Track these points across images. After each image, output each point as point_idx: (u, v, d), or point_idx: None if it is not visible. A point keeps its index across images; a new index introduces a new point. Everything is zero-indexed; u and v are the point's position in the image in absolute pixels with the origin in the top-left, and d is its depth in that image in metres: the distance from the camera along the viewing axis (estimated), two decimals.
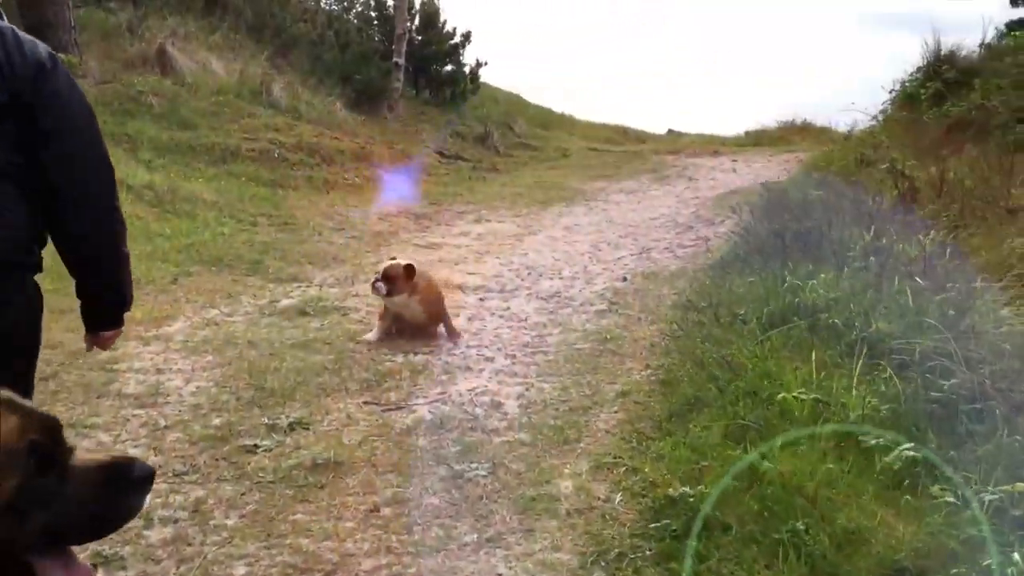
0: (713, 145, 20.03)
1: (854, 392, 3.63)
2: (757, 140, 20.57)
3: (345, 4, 18.92)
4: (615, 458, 3.77)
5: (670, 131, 24.36)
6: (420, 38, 17.62)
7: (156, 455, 3.88)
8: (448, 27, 17.97)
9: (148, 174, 9.93)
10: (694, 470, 3.42)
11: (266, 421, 4.25)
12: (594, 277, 7.52)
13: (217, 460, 3.83)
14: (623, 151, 18.80)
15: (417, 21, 17.74)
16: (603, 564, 2.96)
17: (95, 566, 1.72)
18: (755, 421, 3.63)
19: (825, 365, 4.02)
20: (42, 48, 2.17)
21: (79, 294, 2.43)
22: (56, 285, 4.49)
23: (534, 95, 22.67)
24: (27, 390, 2.21)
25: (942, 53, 9.80)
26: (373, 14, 18.38)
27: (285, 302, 6.56)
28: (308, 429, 4.20)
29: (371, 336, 5.68)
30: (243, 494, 3.51)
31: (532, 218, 10.88)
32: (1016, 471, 2.84)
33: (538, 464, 3.77)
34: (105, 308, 2.48)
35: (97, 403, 4.47)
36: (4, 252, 2.15)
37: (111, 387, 4.71)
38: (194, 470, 3.75)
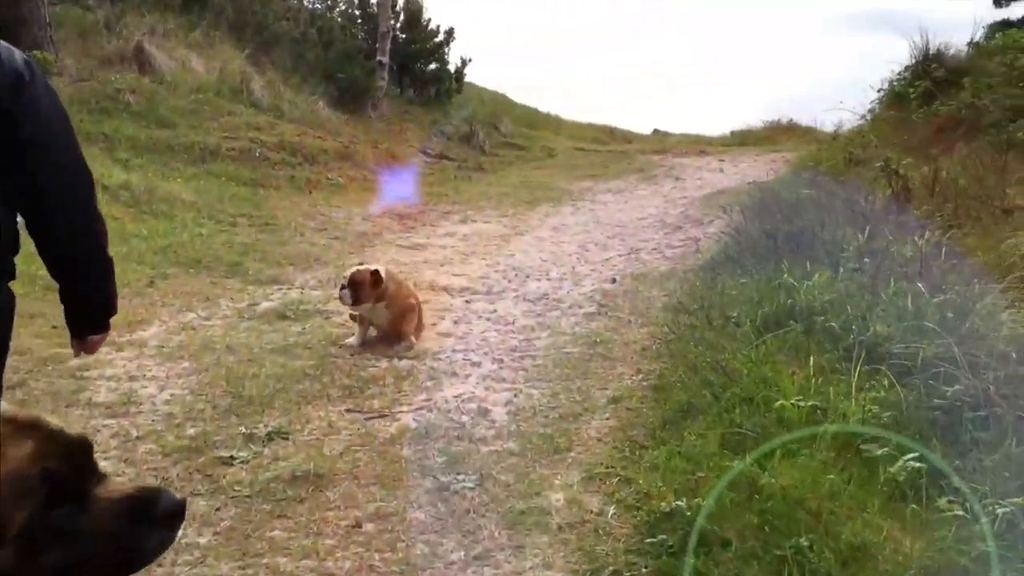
0: (699, 145, 19.94)
1: (854, 398, 3.50)
2: (743, 140, 20.50)
3: (328, 2, 18.71)
4: (607, 468, 3.63)
5: (656, 131, 24.27)
6: (404, 36, 17.43)
7: (127, 467, 3.71)
8: (432, 25, 17.80)
9: (125, 174, 9.72)
10: (690, 481, 3.28)
11: (243, 431, 4.09)
12: (582, 278, 7.38)
13: (191, 473, 3.66)
14: (609, 151, 18.68)
15: (401, 19, 17.54)
16: None
17: None
18: (752, 429, 3.50)
19: (822, 370, 3.90)
20: (19, 56, 2.14)
21: (64, 299, 2.44)
22: (26, 289, 4.31)
23: (519, 94, 22.54)
24: None
25: (930, 52, 9.75)
26: (357, 12, 18.17)
27: (265, 305, 6.38)
28: (287, 439, 4.03)
29: (353, 340, 5.52)
30: (218, 509, 3.35)
31: (518, 218, 10.74)
32: None
33: (527, 475, 3.62)
34: (92, 312, 2.49)
35: (66, 412, 4.28)
36: None
37: (81, 395, 4.53)
38: (166, 484, 3.57)
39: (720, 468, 3.28)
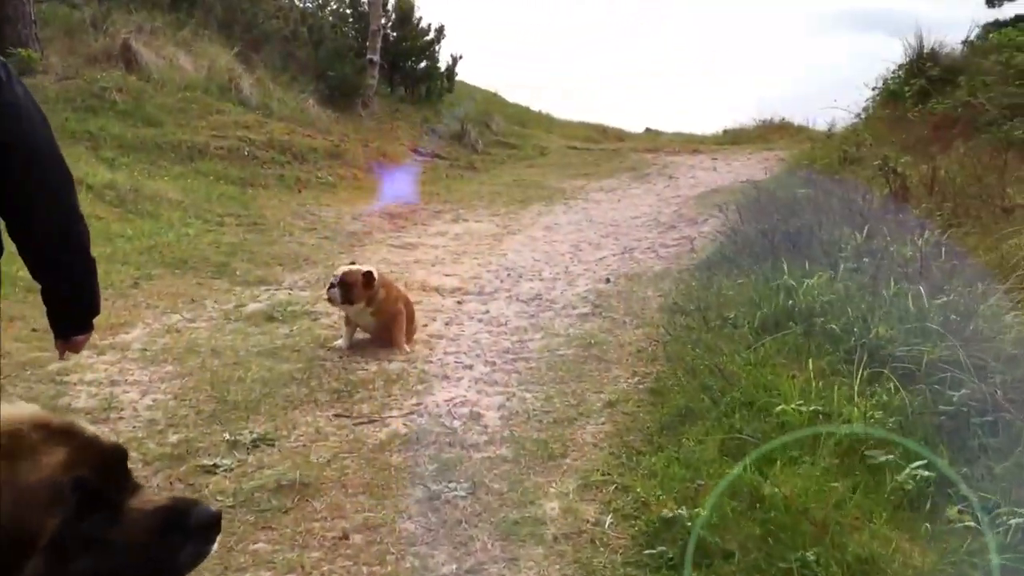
0: (692, 144, 19.87)
1: (856, 403, 3.40)
2: (735, 138, 20.43)
3: (319, 1, 18.54)
4: (604, 475, 3.52)
5: (648, 130, 24.17)
6: (395, 34, 17.30)
7: None
8: (423, 23, 17.66)
9: (110, 173, 9.56)
10: (689, 489, 3.18)
11: (227, 438, 3.96)
12: (576, 278, 7.27)
13: (172, 482, 3.53)
14: (602, 149, 18.58)
15: (392, 17, 17.40)
16: None
17: None
18: (752, 435, 3.39)
19: (823, 373, 3.79)
20: None
21: (47, 300, 2.46)
22: (6, 291, 4.17)
23: (513, 94, 22.43)
24: None
25: (925, 51, 9.66)
26: (347, 10, 18.02)
27: (252, 307, 6.25)
28: (273, 446, 3.91)
29: (341, 343, 5.39)
30: None
31: (511, 217, 10.62)
32: None
33: (521, 483, 3.50)
34: (75, 313, 2.51)
35: None
36: None
37: (60, 401, 4.39)
38: None
39: (720, 475, 3.17)
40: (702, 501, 3.01)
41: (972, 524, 2.58)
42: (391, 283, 5.71)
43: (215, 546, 1.32)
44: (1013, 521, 2.51)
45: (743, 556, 2.68)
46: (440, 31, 17.56)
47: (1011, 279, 4.14)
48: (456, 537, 3.10)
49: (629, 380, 4.65)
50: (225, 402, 4.43)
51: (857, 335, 3.93)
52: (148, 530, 1.23)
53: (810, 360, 3.83)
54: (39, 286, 2.47)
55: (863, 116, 10.78)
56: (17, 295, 5.19)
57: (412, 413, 4.31)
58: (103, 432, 1.34)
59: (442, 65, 17.80)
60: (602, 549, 2.98)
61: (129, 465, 1.34)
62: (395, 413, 4.33)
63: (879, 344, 3.79)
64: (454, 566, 2.92)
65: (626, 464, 3.58)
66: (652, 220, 10.03)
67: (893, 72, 10.21)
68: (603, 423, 4.10)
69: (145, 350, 5.26)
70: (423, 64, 17.64)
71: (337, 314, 5.97)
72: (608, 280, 7.08)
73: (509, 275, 7.47)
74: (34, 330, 5.09)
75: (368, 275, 5.35)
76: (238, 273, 7.24)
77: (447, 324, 5.96)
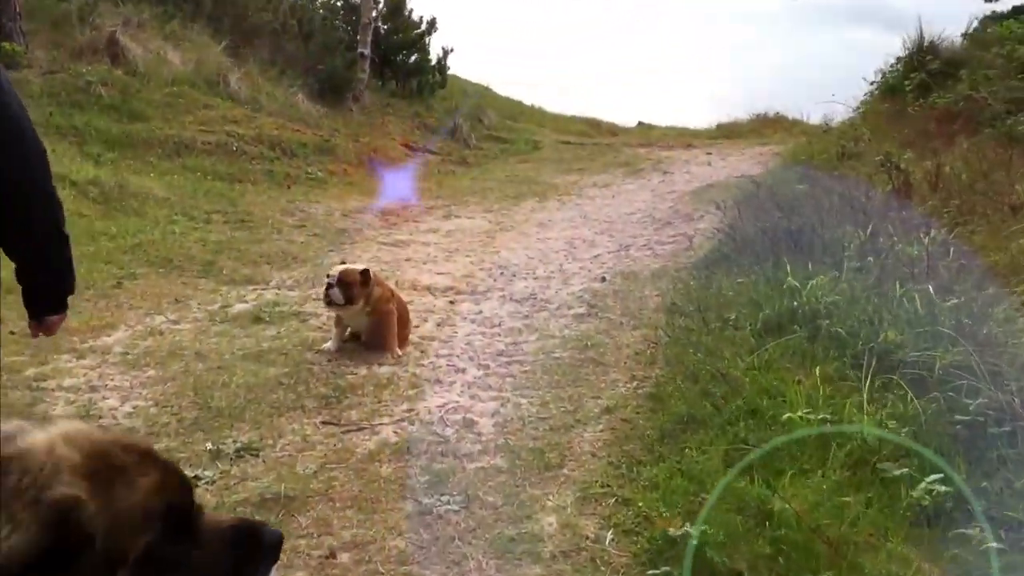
0: (685, 138, 19.72)
1: (866, 411, 3.25)
2: (729, 133, 20.27)
3: None
4: (603, 487, 3.37)
5: (640, 124, 24.00)
6: (386, 27, 17.08)
7: None
8: (415, 16, 17.45)
9: (95, 169, 9.36)
10: (693, 503, 3.03)
11: (210, 447, 3.79)
12: (571, 277, 7.11)
13: None
14: (595, 144, 18.41)
15: (383, 10, 17.18)
16: None
17: None
18: (758, 444, 3.24)
19: (830, 379, 3.65)
20: None
21: (21, 279, 2.45)
22: None
23: (503, 87, 22.23)
24: None
25: (925, 44, 9.51)
26: (338, 3, 17.78)
27: (238, 307, 6.08)
28: (257, 456, 3.75)
29: (330, 345, 5.22)
30: None
31: (504, 214, 10.45)
32: None
33: (517, 495, 3.35)
34: (49, 291, 2.50)
35: None
36: None
37: (37, 408, 4.21)
38: None
39: (726, 488, 3.02)
40: (708, 517, 2.86)
41: (996, 545, 2.43)
42: (382, 281, 5.55)
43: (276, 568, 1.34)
44: None
45: None
46: (432, 24, 17.35)
47: None
48: (449, 555, 2.95)
49: (627, 385, 4.49)
50: (208, 409, 4.27)
51: (864, 339, 3.79)
52: (222, 550, 1.26)
53: (816, 365, 3.68)
54: (14, 278, 2.47)
55: (860, 110, 10.63)
56: None
57: (403, 420, 4.16)
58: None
59: (433, 58, 17.59)
60: (603, 568, 2.83)
61: None
62: (385, 420, 4.17)
63: (888, 348, 3.64)
64: None
65: (626, 475, 3.43)
66: (647, 216, 9.88)
67: (892, 65, 10.07)
68: (601, 430, 3.95)
69: (126, 353, 5.09)
70: (414, 58, 17.42)
71: (326, 315, 5.80)
72: (604, 279, 6.93)
73: (502, 273, 7.31)
74: (12, 332, 4.90)
75: (365, 273, 5.19)
76: (224, 272, 7.07)
77: (439, 325, 5.80)
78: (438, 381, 4.73)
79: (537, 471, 3.56)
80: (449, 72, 18.22)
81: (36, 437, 1.20)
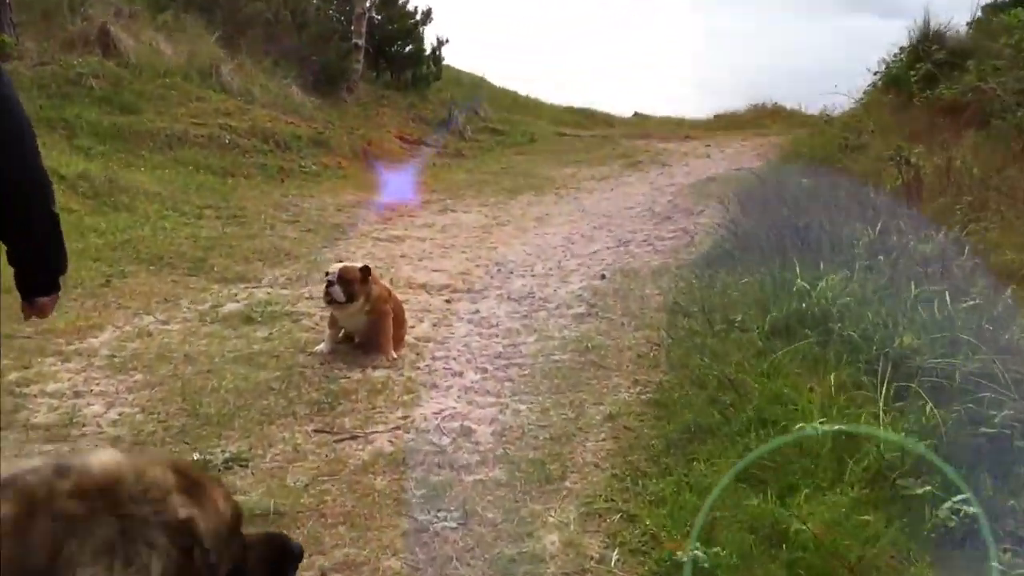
0: (682, 129, 19.55)
1: (883, 422, 3.10)
2: (727, 124, 20.10)
3: None
4: (607, 501, 3.22)
5: (636, 114, 23.80)
6: (380, 17, 16.86)
7: None
8: (409, 6, 17.24)
9: (85, 162, 9.18)
10: (703, 521, 2.87)
11: (197, 457, 3.63)
12: (569, 274, 6.95)
13: None
14: (592, 135, 18.23)
15: (377, 0, 16.96)
16: None
17: None
18: (770, 457, 3.09)
19: (844, 387, 3.50)
20: None
21: (14, 260, 2.43)
22: None
23: (498, 78, 21.99)
24: None
25: (930, 33, 9.33)
26: None
27: (229, 307, 5.91)
28: (246, 467, 3.59)
29: (323, 347, 5.06)
30: None
31: (500, 208, 10.29)
32: None
33: (517, 511, 3.20)
34: (40, 271, 2.48)
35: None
36: None
37: (18, 416, 4.06)
38: None
39: (737, 505, 2.88)
40: (719, 537, 2.71)
41: None
42: (378, 279, 5.39)
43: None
44: None
45: None
46: (427, 14, 17.14)
47: None
48: None
49: (630, 390, 4.33)
50: (196, 416, 4.12)
51: (879, 344, 3.63)
52: (265, 559, 1.33)
53: (832, 373, 3.53)
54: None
55: (863, 101, 10.45)
56: None
57: (398, 428, 4.00)
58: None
59: (427, 49, 17.39)
60: None
61: None
62: (380, 428, 4.01)
63: (904, 354, 3.49)
64: None
65: (631, 489, 3.27)
66: (647, 211, 9.71)
67: (895, 55, 9.88)
68: (604, 439, 3.80)
69: (113, 356, 4.93)
70: (409, 48, 17.21)
71: (319, 315, 5.65)
72: (603, 276, 6.77)
73: (500, 271, 7.15)
74: None
75: (365, 270, 5.02)
76: (216, 269, 6.90)
77: (435, 325, 5.65)
78: (434, 385, 4.57)
79: (538, 484, 3.41)
80: (444, 63, 18.02)
81: (106, 462, 1.23)
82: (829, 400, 3.38)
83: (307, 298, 6.15)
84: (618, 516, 3.10)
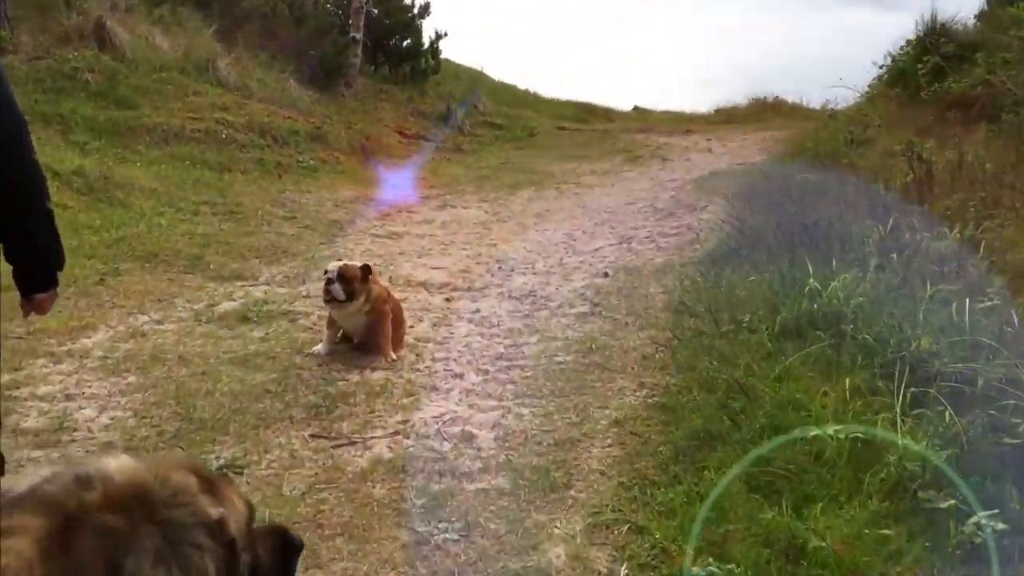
0: (682, 123, 19.41)
1: (901, 430, 2.99)
2: (728, 118, 19.95)
3: None
4: (614, 511, 3.10)
5: (636, 108, 23.65)
6: (377, 11, 16.69)
7: None
8: (407, 0, 17.06)
9: (80, 158, 9.05)
10: (714, 534, 2.76)
11: None
12: (571, 272, 6.83)
13: None
14: (592, 130, 18.09)
15: None
16: None
17: None
18: (784, 467, 2.98)
19: (859, 392, 3.38)
20: None
21: (10, 258, 2.43)
22: None
23: (496, 72, 21.85)
24: None
25: (938, 25, 9.18)
26: None
27: (225, 306, 5.80)
28: (241, 474, 3.48)
29: (321, 348, 4.94)
30: None
31: (500, 203, 10.17)
32: None
33: (521, 522, 3.08)
34: (38, 268, 2.47)
35: None
36: None
37: (8, 420, 3.92)
38: None
39: (750, 517, 2.76)
40: (733, 551, 2.60)
41: None
42: (377, 278, 5.27)
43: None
44: None
45: None
46: (425, 7, 16.97)
47: None
48: None
49: (636, 393, 4.22)
50: (190, 420, 4.00)
51: (895, 347, 3.51)
52: (271, 552, 1.38)
53: (846, 377, 3.41)
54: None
55: (868, 95, 10.31)
56: None
57: (397, 433, 3.88)
58: None
59: (426, 42, 17.22)
60: None
61: None
62: (378, 433, 3.90)
63: (922, 358, 3.37)
64: None
65: (639, 498, 3.16)
66: (649, 206, 9.59)
67: (902, 48, 9.73)
68: (610, 445, 3.68)
69: (106, 358, 4.82)
70: (407, 42, 17.06)
71: (317, 315, 5.53)
72: (606, 274, 6.64)
73: (500, 268, 7.03)
74: None
75: (366, 268, 4.90)
76: (212, 267, 6.78)
77: (435, 325, 5.53)
78: (434, 388, 4.45)
79: (542, 493, 3.29)
80: (443, 57, 17.87)
81: (126, 469, 1.25)
82: (844, 406, 3.27)
83: (304, 297, 6.04)
84: (626, 527, 2.98)
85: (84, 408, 4.16)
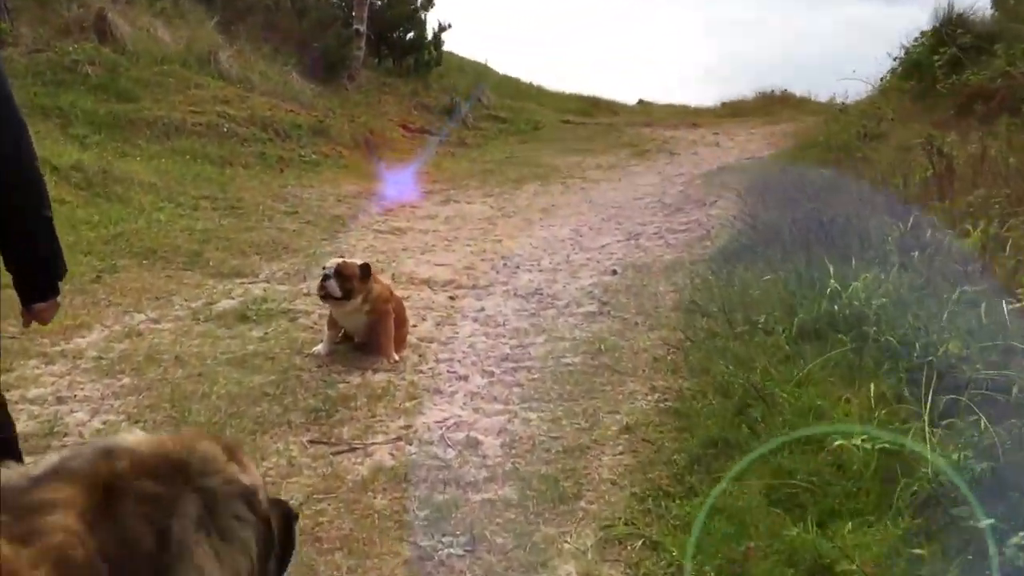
0: (688, 117, 19.22)
1: (931, 441, 2.82)
2: (735, 111, 19.74)
3: None
4: (627, 525, 2.95)
5: (641, 101, 23.45)
6: (380, 3, 16.51)
7: None
8: None
9: (79, 152, 8.90)
10: (735, 551, 2.61)
11: None
12: (578, 269, 6.67)
13: None
14: (596, 124, 17.91)
15: None
16: None
17: None
18: (806, 479, 2.82)
19: (884, 399, 3.21)
20: None
21: (9, 266, 2.40)
22: None
23: (500, 65, 21.64)
24: None
25: (954, 16, 8.97)
26: None
27: (224, 304, 5.65)
28: None
29: (321, 348, 4.79)
30: None
31: (505, 198, 10.00)
32: None
33: (530, 536, 2.93)
34: (38, 277, 2.44)
35: None
36: None
37: None
38: None
39: (772, 533, 2.61)
40: (753, 570, 2.44)
41: None
42: (379, 277, 5.12)
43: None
44: None
45: None
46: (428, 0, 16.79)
47: None
48: None
49: (648, 397, 4.05)
50: (186, 424, 3.85)
51: (920, 351, 3.35)
52: (285, 519, 1.44)
53: (870, 383, 3.24)
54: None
55: (881, 88, 10.09)
56: None
57: (399, 439, 3.73)
58: None
59: (429, 34, 17.04)
60: None
61: None
62: (380, 439, 3.74)
63: (950, 363, 3.21)
64: None
65: (653, 511, 3.00)
66: (656, 201, 9.41)
67: (916, 40, 9.52)
68: (621, 453, 3.52)
69: (100, 358, 4.67)
70: (411, 35, 16.88)
71: (318, 313, 5.37)
72: (614, 272, 6.48)
73: (505, 265, 6.87)
74: None
75: (365, 267, 4.74)
76: (211, 263, 6.63)
77: (439, 324, 5.37)
78: (438, 391, 4.30)
79: (551, 504, 3.14)
80: (447, 50, 17.69)
81: (150, 441, 1.28)
82: (868, 414, 3.11)
83: (305, 294, 5.89)
84: (640, 543, 2.83)
85: (76, 411, 4.03)
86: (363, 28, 15.31)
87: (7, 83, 2.26)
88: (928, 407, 2.99)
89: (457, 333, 5.20)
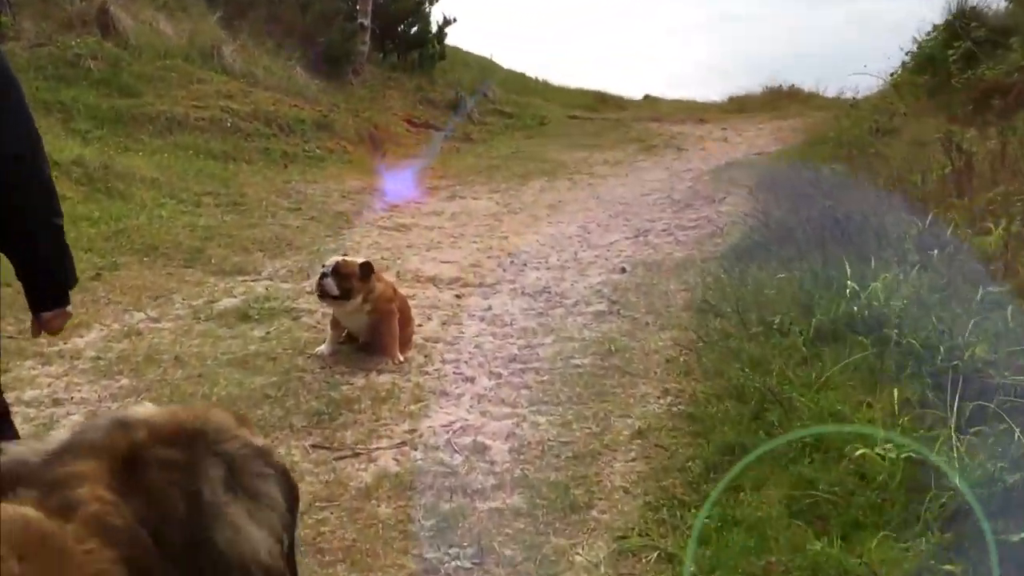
0: (695, 111, 19.06)
1: (959, 450, 2.71)
2: (742, 106, 19.57)
3: None
4: (642, 536, 2.83)
5: (647, 96, 23.29)
6: None
7: None
8: None
9: (81, 147, 8.80)
10: (755, 566, 2.49)
11: None
12: (587, 267, 6.55)
13: None
14: (603, 119, 17.76)
15: None
16: None
17: None
18: (828, 489, 2.70)
19: (908, 405, 3.09)
20: None
21: (19, 274, 2.37)
22: None
23: (506, 59, 21.48)
24: None
25: (967, 9, 8.82)
26: None
27: (225, 302, 5.54)
28: None
29: (324, 349, 4.68)
30: None
31: (511, 194, 9.88)
32: None
33: (540, 547, 2.82)
34: (46, 284, 2.40)
35: None
36: None
37: None
38: None
39: (794, 547, 2.49)
40: None
41: None
42: (382, 276, 5.00)
43: None
44: None
45: None
46: None
47: None
48: None
49: (660, 400, 3.94)
50: None
51: (945, 355, 3.22)
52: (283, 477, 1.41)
53: (893, 388, 3.12)
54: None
55: (893, 82, 9.94)
56: None
57: (404, 444, 3.62)
58: None
59: (433, 27, 16.91)
60: None
61: None
62: (384, 443, 3.64)
63: (976, 368, 3.08)
64: None
65: (668, 521, 2.89)
66: (665, 198, 9.28)
67: (929, 33, 9.37)
68: (633, 459, 3.41)
69: (99, 358, 4.58)
70: (415, 29, 16.75)
71: (321, 312, 5.26)
72: (623, 270, 6.36)
73: (512, 262, 6.76)
74: None
75: (365, 266, 4.62)
76: (213, 261, 6.53)
77: (444, 324, 5.26)
78: (444, 393, 4.19)
79: (561, 513, 3.03)
80: (452, 45, 17.57)
81: (161, 412, 1.30)
82: (891, 420, 2.99)
83: (308, 293, 5.76)
84: (655, 555, 2.72)
85: (73, 414, 3.93)
86: (367, 22, 15.18)
87: (19, 88, 2.23)
88: (954, 414, 2.87)
89: (463, 333, 5.08)
